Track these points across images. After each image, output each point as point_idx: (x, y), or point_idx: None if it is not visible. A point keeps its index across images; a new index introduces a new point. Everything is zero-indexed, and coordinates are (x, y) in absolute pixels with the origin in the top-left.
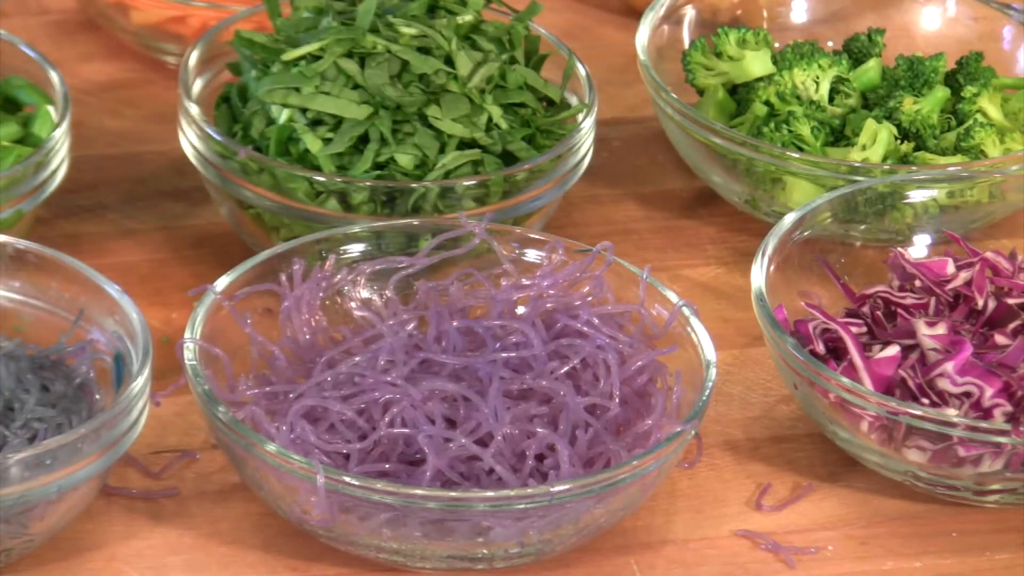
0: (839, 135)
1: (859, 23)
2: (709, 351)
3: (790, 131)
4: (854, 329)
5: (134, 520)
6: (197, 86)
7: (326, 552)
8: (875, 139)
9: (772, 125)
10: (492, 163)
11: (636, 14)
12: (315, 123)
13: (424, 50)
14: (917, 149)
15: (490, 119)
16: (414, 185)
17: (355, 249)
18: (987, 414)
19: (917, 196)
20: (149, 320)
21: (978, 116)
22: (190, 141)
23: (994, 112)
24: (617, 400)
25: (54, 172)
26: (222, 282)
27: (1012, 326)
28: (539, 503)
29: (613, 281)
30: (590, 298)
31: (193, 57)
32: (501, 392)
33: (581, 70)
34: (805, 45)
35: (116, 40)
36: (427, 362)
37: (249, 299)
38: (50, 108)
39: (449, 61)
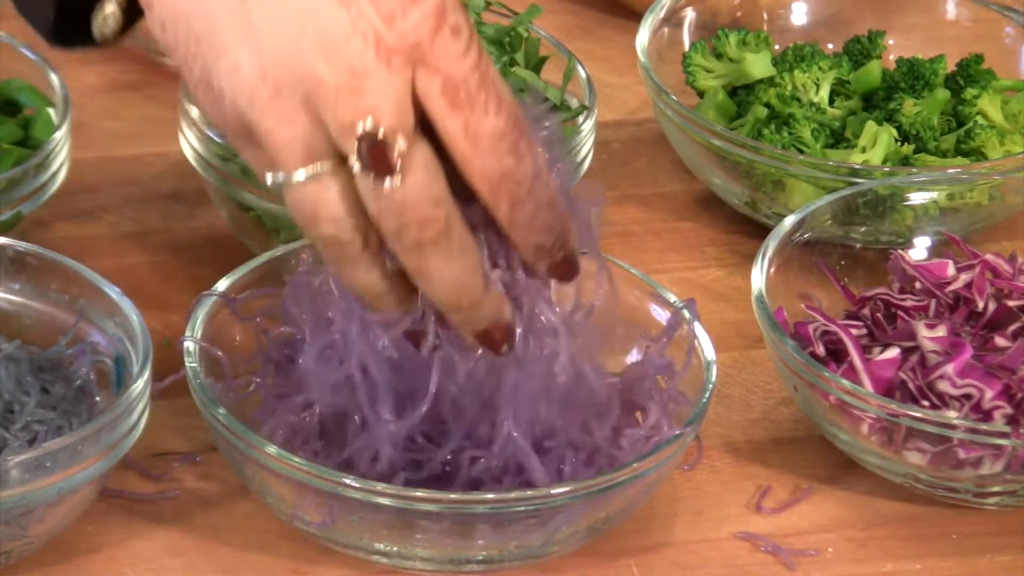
0: (839, 137)
1: (859, 25)
2: (709, 353)
3: (790, 133)
4: (854, 331)
5: (134, 522)
6: None
7: (326, 554)
8: (875, 141)
9: (772, 127)
10: None
11: (636, 16)
12: None
13: None
14: (917, 151)
15: None
16: None
17: None
18: (987, 416)
19: (917, 198)
20: (149, 322)
21: (978, 118)
22: (190, 143)
23: (994, 114)
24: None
25: (54, 174)
26: (222, 284)
27: (1012, 328)
28: (539, 505)
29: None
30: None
31: None
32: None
33: (581, 72)
34: (805, 47)
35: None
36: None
37: (249, 301)
38: (50, 110)
39: None
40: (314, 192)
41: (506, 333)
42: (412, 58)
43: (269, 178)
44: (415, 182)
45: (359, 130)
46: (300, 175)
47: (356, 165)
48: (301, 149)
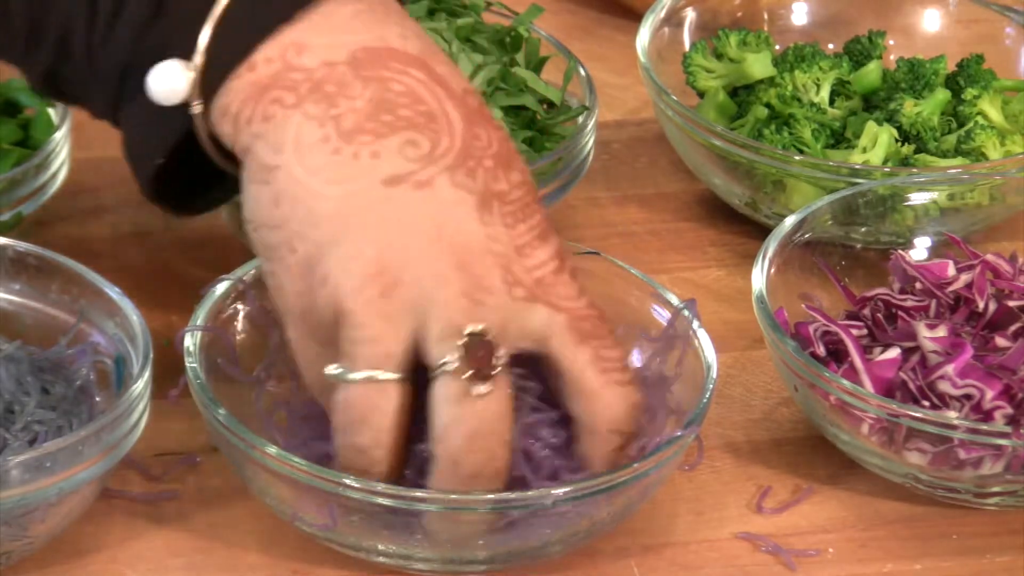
0: (840, 137)
1: (860, 25)
2: (710, 353)
3: (791, 133)
4: (855, 331)
5: (135, 523)
6: None
7: (327, 554)
8: (876, 141)
9: (773, 127)
10: None
11: (636, 16)
12: None
13: None
14: (918, 151)
15: None
16: None
17: None
18: (988, 416)
19: (918, 198)
20: (149, 323)
21: (979, 118)
22: None
23: (995, 114)
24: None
25: (54, 175)
26: (223, 284)
27: (1012, 328)
28: (539, 506)
29: (614, 284)
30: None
31: None
32: None
33: (582, 72)
34: (806, 47)
35: None
36: None
37: (248, 301)
38: (50, 110)
39: None
40: (373, 397)
41: None
42: (535, 293)
43: (333, 369)
44: (500, 401)
45: (468, 330)
46: (370, 374)
47: (454, 364)
48: (383, 352)
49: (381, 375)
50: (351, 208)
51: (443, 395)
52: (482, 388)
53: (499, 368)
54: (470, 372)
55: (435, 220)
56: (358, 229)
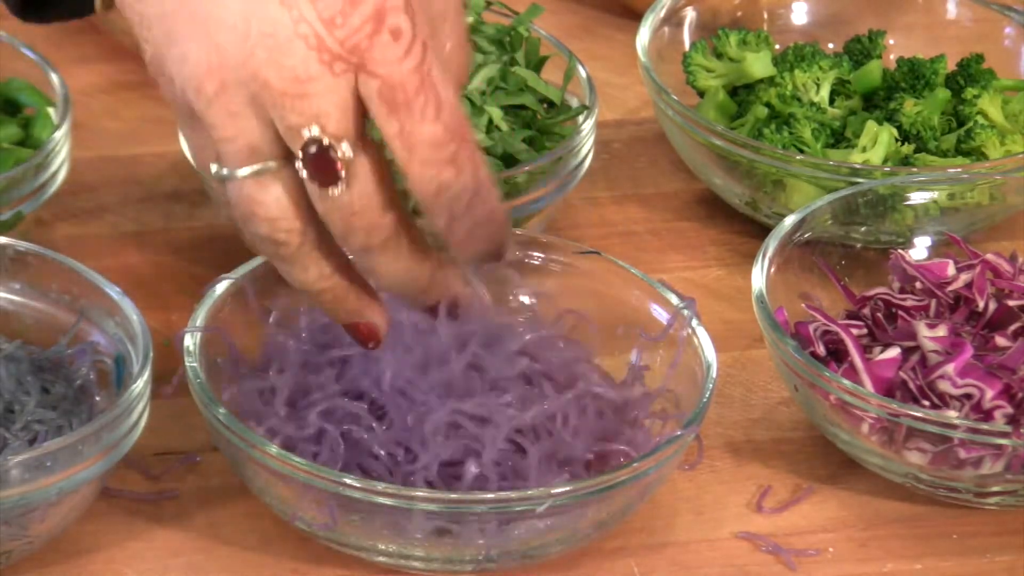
0: (840, 137)
1: (860, 25)
2: (709, 353)
3: (791, 133)
4: (855, 331)
5: (134, 522)
6: None
7: (327, 554)
8: (876, 141)
9: (773, 127)
10: (493, 165)
11: (636, 16)
12: None
13: None
14: (918, 151)
15: (491, 121)
16: None
17: None
18: (988, 416)
19: (918, 198)
20: (149, 322)
21: (979, 118)
22: None
23: (995, 114)
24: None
25: (54, 174)
26: (223, 284)
27: (1012, 328)
28: (539, 505)
29: (614, 284)
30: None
31: None
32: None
33: (582, 72)
34: (806, 47)
35: (116, 42)
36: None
37: (247, 301)
38: (50, 110)
39: None
40: (252, 190)
41: (458, 303)
42: (353, 63)
43: (213, 168)
44: (360, 189)
45: (304, 136)
46: (244, 171)
47: (303, 171)
48: (245, 147)
49: (249, 169)
50: (165, 11)
51: (309, 192)
52: (333, 190)
53: (346, 166)
54: (316, 181)
55: (241, 14)
56: (178, 32)
